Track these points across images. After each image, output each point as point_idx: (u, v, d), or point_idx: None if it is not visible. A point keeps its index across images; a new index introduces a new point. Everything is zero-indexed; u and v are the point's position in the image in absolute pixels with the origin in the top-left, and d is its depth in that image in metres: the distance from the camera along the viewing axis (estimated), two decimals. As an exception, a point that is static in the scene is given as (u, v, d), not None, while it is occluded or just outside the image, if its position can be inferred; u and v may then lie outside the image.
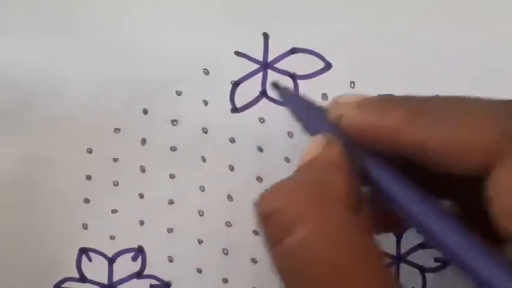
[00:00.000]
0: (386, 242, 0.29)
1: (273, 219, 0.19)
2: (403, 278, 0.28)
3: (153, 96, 0.29)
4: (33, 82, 0.28)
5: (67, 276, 0.29)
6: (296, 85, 0.29)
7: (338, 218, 0.19)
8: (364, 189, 0.21)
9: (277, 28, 0.29)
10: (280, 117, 0.29)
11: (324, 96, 0.29)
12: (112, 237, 0.29)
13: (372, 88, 0.29)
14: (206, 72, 0.29)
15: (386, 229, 0.25)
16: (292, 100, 0.25)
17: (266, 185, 0.29)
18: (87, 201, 0.29)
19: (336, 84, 0.29)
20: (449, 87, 0.29)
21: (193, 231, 0.29)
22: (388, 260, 0.29)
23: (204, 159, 0.29)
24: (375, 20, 0.29)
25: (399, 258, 0.28)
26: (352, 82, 0.29)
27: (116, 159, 0.29)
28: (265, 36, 0.29)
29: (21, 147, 0.28)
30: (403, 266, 0.29)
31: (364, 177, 0.21)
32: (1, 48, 0.28)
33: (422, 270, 0.28)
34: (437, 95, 0.21)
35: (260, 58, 0.29)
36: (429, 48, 0.29)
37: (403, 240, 0.29)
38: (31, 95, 0.28)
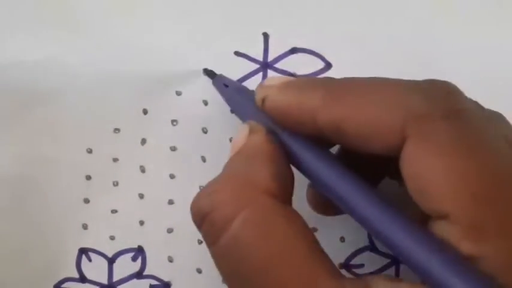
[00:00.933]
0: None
1: (207, 221, 0.20)
2: (403, 278, 0.28)
3: (153, 96, 0.29)
4: (33, 82, 0.28)
5: (67, 276, 0.29)
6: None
7: (264, 208, 0.19)
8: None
9: (277, 28, 0.29)
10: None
11: (324, 96, 0.29)
12: (112, 237, 0.29)
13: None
14: (206, 72, 0.29)
15: (326, 212, 0.25)
16: (225, 86, 0.26)
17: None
18: (87, 201, 0.29)
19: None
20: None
21: (193, 231, 0.29)
22: (387, 261, 0.29)
23: (204, 159, 0.29)
24: (375, 20, 0.29)
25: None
26: (352, 82, 0.29)
27: (115, 159, 0.29)
28: (265, 36, 0.29)
29: (21, 147, 0.28)
30: (404, 266, 0.29)
31: (291, 160, 0.22)
32: (1, 48, 0.28)
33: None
34: (361, 77, 0.21)
35: (260, 58, 0.29)
36: (429, 48, 0.29)
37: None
38: (31, 95, 0.28)
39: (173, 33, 0.29)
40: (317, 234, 0.23)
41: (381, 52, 0.29)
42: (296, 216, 0.20)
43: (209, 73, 0.28)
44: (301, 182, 0.22)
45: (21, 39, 0.28)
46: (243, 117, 0.24)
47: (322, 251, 0.19)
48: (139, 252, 0.29)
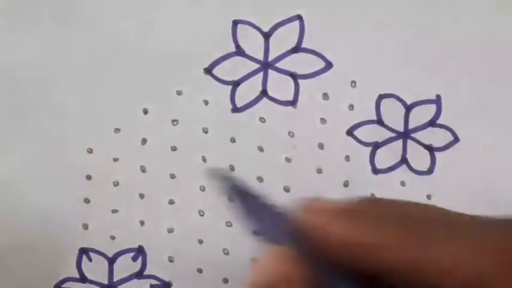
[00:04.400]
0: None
1: None
2: None
3: (153, 96, 0.29)
4: (33, 82, 0.28)
5: (67, 276, 0.29)
6: (297, 84, 0.29)
7: None
8: None
9: (277, 28, 0.29)
10: (281, 117, 0.29)
11: (325, 95, 0.29)
12: (112, 237, 0.29)
13: (372, 87, 0.29)
14: (206, 71, 0.29)
15: None
16: (239, 192, 0.20)
17: (266, 184, 0.29)
18: (87, 201, 0.29)
19: (337, 84, 0.29)
20: (450, 87, 0.29)
21: (193, 232, 0.29)
22: None
23: (204, 159, 0.29)
24: (375, 19, 0.29)
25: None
26: (353, 82, 0.29)
27: (116, 159, 0.29)
28: (266, 35, 0.29)
29: (22, 147, 0.28)
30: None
31: None
32: (1, 48, 0.28)
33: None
34: (438, 212, 0.20)
35: (261, 58, 0.29)
36: (430, 48, 0.29)
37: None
38: (31, 95, 0.28)
39: (173, 34, 0.29)
40: None
41: (382, 52, 0.29)
42: None
43: (216, 175, 0.22)
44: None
45: (22, 40, 0.28)
46: (263, 234, 0.20)
47: None
48: (139, 252, 0.29)
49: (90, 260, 0.29)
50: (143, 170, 0.29)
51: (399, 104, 0.29)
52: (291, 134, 0.29)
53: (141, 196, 0.29)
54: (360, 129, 0.29)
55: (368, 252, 0.18)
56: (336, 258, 0.18)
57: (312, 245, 0.18)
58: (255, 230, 0.20)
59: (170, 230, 0.29)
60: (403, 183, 0.29)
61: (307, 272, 0.18)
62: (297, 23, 0.29)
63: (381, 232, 0.18)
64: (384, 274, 0.18)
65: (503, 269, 0.17)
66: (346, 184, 0.29)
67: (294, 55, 0.29)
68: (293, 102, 0.29)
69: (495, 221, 0.19)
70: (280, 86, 0.29)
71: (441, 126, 0.29)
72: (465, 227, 0.18)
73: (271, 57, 0.29)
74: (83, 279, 0.29)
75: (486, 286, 0.17)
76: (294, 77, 0.29)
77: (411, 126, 0.29)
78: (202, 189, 0.29)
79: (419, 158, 0.29)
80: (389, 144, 0.29)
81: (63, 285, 0.29)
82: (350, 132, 0.29)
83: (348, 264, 0.18)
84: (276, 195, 0.20)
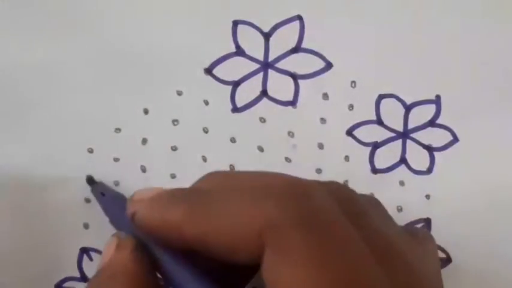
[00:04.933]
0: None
1: None
2: None
3: (153, 96, 0.29)
4: (33, 82, 0.28)
5: (68, 275, 0.29)
6: (297, 85, 0.29)
7: None
8: None
9: (277, 28, 0.29)
10: (281, 117, 0.29)
11: (325, 95, 0.29)
12: (113, 237, 0.29)
13: (372, 87, 0.29)
14: (206, 72, 0.29)
15: None
16: (102, 195, 0.26)
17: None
18: (88, 200, 0.29)
19: (337, 84, 0.29)
20: (450, 87, 0.29)
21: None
22: None
23: (204, 159, 0.29)
24: (375, 19, 0.29)
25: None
26: (353, 82, 0.29)
27: (116, 159, 0.29)
28: (266, 35, 0.29)
29: (22, 147, 0.28)
30: None
31: (163, 276, 0.21)
32: (1, 48, 0.28)
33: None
34: (225, 184, 0.21)
35: (261, 58, 0.29)
36: (430, 47, 0.29)
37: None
38: (31, 95, 0.28)
39: (173, 33, 0.29)
40: None
41: (382, 52, 0.29)
42: None
43: (89, 181, 0.28)
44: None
45: (22, 40, 0.28)
46: (119, 227, 0.24)
47: None
48: (140, 251, 0.29)
49: (91, 259, 0.29)
50: (143, 169, 0.29)
51: (399, 104, 0.29)
52: (291, 134, 0.29)
53: (142, 196, 0.29)
54: (359, 129, 0.29)
55: (170, 231, 0.20)
56: (154, 240, 0.21)
57: (136, 231, 0.21)
58: (111, 221, 0.24)
59: (170, 230, 0.29)
60: (402, 183, 0.29)
61: (143, 255, 0.21)
62: (297, 23, 0.29)
63: (175, 212, 0.20)
64: (190, 248, 0.19)
65: (270, 236, 0.18)
66: (345, 184, 0.29)
67: (294, 55, 0.29)
68: (293, 102, 0.29)
69: (268, 185, 0.20)
70: (280, 86, 0.29)
71: (441, 126, 0.29)
72: (244, 196, 0.19)
73: (271, 58, 0.29)
74: (83, 278, 0.29)
75: (261, 253, 0.18)
76: (294, 77, 0.29)
77: (411, 126, 0.29)
78: (203, 189, 0.29)
79: (418, 157, 0.29)
80: (389, 144, 0.29)
81: (64, 285, 0.29)
82: (350, 132, 0.29)
83: (164, 243, 0.21)
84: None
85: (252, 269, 0.20)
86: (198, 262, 0.21)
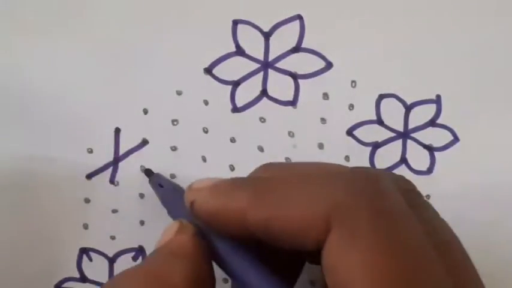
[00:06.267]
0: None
1: None
2: None
3: (153, 96, 0.29)
4: (33, 82, 0.28)
5: (67, 276, 0.29)
6: (297, 84, 0.29)
7: None
8: None
9: (277, 27, 0.29)
10: (281, 117, 0.29)
11: (325, 95, 0.29)
12: (112, 237, 0.29)
13: (372, 87, 0.29)
14: (206, 71, 0.29)
15: None
16: (160, 186, 0.27)
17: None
18: (87, 201, 0.29)
19: (337, 84, 0.29)
20: (450, 86, 0.29)
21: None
22: None
23: (204, 159, 0.29)
24: (376, 19, 0.29)
25: None
26: (353, 81, 0.29)
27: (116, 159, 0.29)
28: (266, 35, 0.29)
29: (22, 147, 0.28)
30: None
31: (219, 264, 0.22)
32: (1, 48, 0.28)
33: None
34: (288, 171, 0.21)
35: (261, 57, 0.29)
36: (430, 47, 0.29)
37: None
38: (31, 95, 0.28)
39: (173, 33, 0.29)
40: None
41: (382, 51, 0.29)
42: None
43: (147, 172, 0.28)
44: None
45: (21, 40, 0.28)
46: (175, 216, 0.24)
47: None
48: (140, 252, 0.29)
49: (90, 259, 0.29)
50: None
51: (399, 103, 0.29)
52: (291, 134, 0.29)
53: (141, 196, 0.29)
54: (360, 129, 0.29)
55: (232, 218, 0.20)
56: (213, 228, 0.21)
57: (196, 218, 0.22)
58: (168, 213, 0.25)
59: (170, 230, 0.29)
60: (402, 183, 0.29)
61: (202, 242, 0.22)
62: (297, 22, 0.29)
63: (239, 198, 0.20)
64: (251, 235, 0.19)
65: (335, 219, 0.18)
66: (346, 184, 0.29)
67: (294, 55, 0.29)
68: (293, 102, 0.29)
69: (331, 173, 0.20)
70: (280, 85, 0.29)
71: (441, 126, 0.29)
72: (306, 183, 0.19)
73: (271, 57, 0.29)
74: (83, 279, 0.29)
75: (324, 238, 0.18)
76: (294, 76, 0.29)
77: (411, 126, 0.29)
78: (203, 189, 0.29)
79: (419, 157, 0.29)
80: (389, 144, 0.29)
81: (64, 285, 0.29)
82: (350, 132, 0.29)
83: (224, 231, 0.21)
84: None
85: (303, 261, 0.21)
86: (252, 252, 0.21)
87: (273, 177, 0.21)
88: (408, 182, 0.21)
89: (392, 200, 0.19)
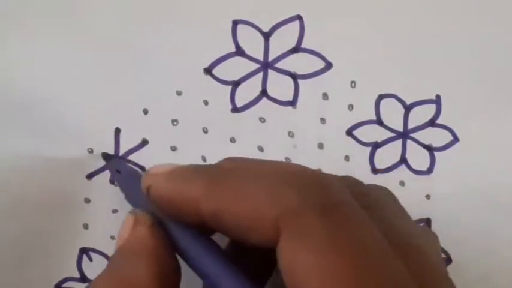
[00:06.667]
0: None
1: None
2: None
3: (153, 96, 0.29)
4: (32, 82, 0.28)
5: (67, 276, 0.29)
6: (297, 84, 0.29)
7: None
8: None
9: (277, 28, 0.29)
10: (281, 117, 0.29)
11: (325, 95, 0.29)
12: (113, 237, 0.29)
13: (372, 87, 0.29)
14: (206, 71, 0.29)
15: None
16: (119, 171, 0.26)
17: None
18: (87, 201, 0.29)
19: (337, 84, 0.29)
20: (450, 86, 0.29)
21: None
22: None
23: (204, 159, 0.29)
24: (375, 19, 0.29)
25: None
26: (352, 82, 0.29)
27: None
28: (266, 35, 0.29)
29: (22, 147, 0.28)
30: None
31: (178, 251, 0.21)
32: (1, 48, 0.28)
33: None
34: (244, 164, 0.21)
35: (261, 58, 0.29)
36: (430, 47, 0.29)
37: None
38: (31, 95, 0.28)
39: (173, 33, 0.29)
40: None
41: (382, 51, 0.29)
42: None
43: (105, 156, 0.28)
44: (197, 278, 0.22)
45: (21, 40, 0.28)
46: (135, 205, 0.24)
47: None
48: (139, 252, 0.29)
49: (90, 259, 0.29)
50: (143, 169, 0.29)
51: (399, 104, 0.29)
52: (291, 134, 0.29)
53: (141, 196, 0.29)
54: (359, 129, 0.29)
55: (186, 205, 0.20)
56: (168, 214, 0.21)
57: (152, 207, 0.21)
58: (126, 198, 0.24)
59: (170, 230, 0.29)
60: (402, 183, 0.29)
61: (161, 232, 0.21)
62: (296, 22, 0.29)
63: (194, 186, 0.20)
64: (205, 224, 0.19)
65: (286, 222, 0.18)
66: (346, 184, 0.29)
67: (294, 55, 0.29)
68: (293, 102, 0.29)
69: (288, 172, 0.20)
70: (280, 86, 0.29)
71: (441, 126, 0.29)
72: (261, 178, 0.19)
73: (271, 57, 0.29)
74: (83, 279, 0.29)
75: (276, 238, 0.18)
76: (294, 77, 0.29)
77: (411, 126, 0.29)
78: (203, 189, 0.29)
79: (418, 157, 0.29)
80: (389, 144, 0.29)
81: (64, 285, 0.29)
82: (349, 132, 0.29)
83: (179, 218, 0.21)
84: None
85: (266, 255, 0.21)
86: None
87: (231, 169, 0.20)
88: (361, 185, 0.21)
89: (345, 204, 0.19)
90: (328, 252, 0.17)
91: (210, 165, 0.22)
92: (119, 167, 0.27)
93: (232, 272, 0.20)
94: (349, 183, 0.20)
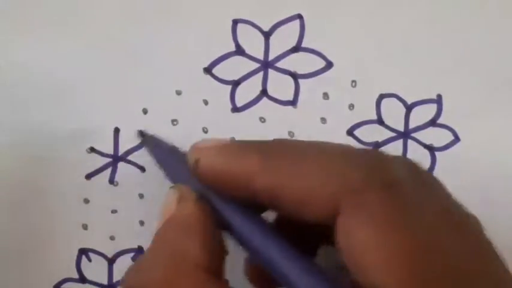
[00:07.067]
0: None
1: None
2: None
3: (152, 96, 0.29)
4: (33, 82, 0.28)
5: (67, 276, 0.29)
6: (297, 84, 0.29)
7: (197, 286, 0.19)
8: None
9: (277, 27, 0.29)
10: (281, 117, 0.29)
11: (325, 95, 0.29)
12: (112, 238, 0.29)
13: (373, 87, 0.29)
14: (206, 71, 0.29)
15: (263, 285, 0.25)
16: (157, 148, 0.26)
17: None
18: (86, 201, 0.29)
19: (337, 83, 0.29)
20: (451, 86, 0.29)
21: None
22: None
23: (204, 159, 0.29)
24: (376, 19, 0.29)
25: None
26: (353, 81, 0.29)
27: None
28: (266, 34, 0.29)
29: (22, 147, 0.28)
30: None
31: (223, 226, 0.21)
32: (1, 48, 0.28)
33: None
34: (298, 141, 0.21)
35: (261, 57, 0.29)
36: (430, 47, 0.29)
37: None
38: (31, 95, 0.28)
39: (173, 33, 0.29)
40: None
41: (382, 51, 0.29)
42: None
43: (140, 134, 0.27)
44: (238, 252, 0.22)
45: (22, 40, 0.28)
46: (175, 181, 0.23)
47: None
48: (139, 252, 0.29)
49: (89, 260, 0.29)
50: (143, 169, 0.29)
51: (400, 103, 0.29)
52: (291, 134, 0.29)
53: (141, 196, 0.29)
54: (360, 129, 0.29)
55: (238, 180, 0.20)
56: (217, 190, 0.21)
57: (195, 183, 0.21)
58: (166, 175, 0.24)
59: (170, 230, 0.29)
60: (403, 183, 0.29)
61: (206, 207, 0.21)
62: (297, 22, 0.29)
63: (249, 161, 0.20)
64: (255, 199, 0.19)
65: (345, 198, 0.18)
66: (346, 184, 0.29)
67: (294, 54, 0.29)
68: (293, 102, 0.29)
69: (346, 151, 0.20)
70: (280, 85, 0.29)
71: (442, 126, 0.29)
72: (319, 156, 0.20)
73: (271, 57, 0.29)
74: (82, 279, 0.29)
75: (334, 214, 0.18)
76: (294, 76, 0.29)
77: (412, 125, 0.29)
78: (202, 189, 0.29)
79: (419, 157, 0.29)
80: (390, 144, 0.29)
81: (63, 286, 0.29)
82: (350, 132, 0.29)
83: (229, 194, 0.21)
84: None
85: (315, 231, 0.21)
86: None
87: (286, 145, 0.20)
88: (417, 164, 0.21)
89: (404, 179, 0.19)
90: (388, 228, 0.17)
91: (263, 141, 0.21)
92: (156, 142, 0.26)
93: (282, 246, 0.20)
94: (404, 162, 0.21)
